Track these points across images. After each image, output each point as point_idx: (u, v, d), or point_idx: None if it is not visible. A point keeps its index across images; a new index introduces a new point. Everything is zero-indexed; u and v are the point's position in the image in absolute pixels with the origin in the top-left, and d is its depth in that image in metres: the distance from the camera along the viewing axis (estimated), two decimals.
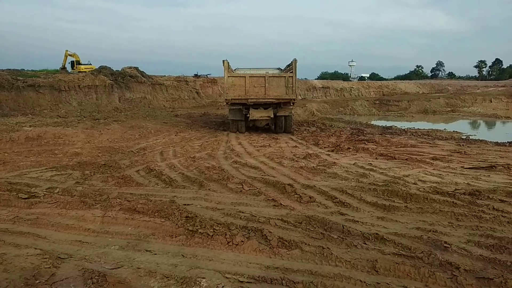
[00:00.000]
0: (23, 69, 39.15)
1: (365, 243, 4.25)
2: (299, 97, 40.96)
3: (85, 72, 31.32)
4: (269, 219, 4.95)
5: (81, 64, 35.34)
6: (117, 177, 7.35)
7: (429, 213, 5.27)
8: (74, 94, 25.68)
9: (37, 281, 3.34)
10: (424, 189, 6.34)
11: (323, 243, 4.25)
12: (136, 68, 32.66)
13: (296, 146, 11.57)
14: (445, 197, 5.84)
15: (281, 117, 14.77)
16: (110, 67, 30.91)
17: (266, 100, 14.14)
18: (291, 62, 14.42)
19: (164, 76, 37.44)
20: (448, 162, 8.73)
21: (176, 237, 4.53)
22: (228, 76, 14.16)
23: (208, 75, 42.02)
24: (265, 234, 4.41)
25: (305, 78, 58.15)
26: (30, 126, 14.27)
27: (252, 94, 14.04)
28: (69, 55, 36.04)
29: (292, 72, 14.23)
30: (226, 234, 4.43)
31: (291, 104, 14.63)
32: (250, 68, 17.04)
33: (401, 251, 4.02)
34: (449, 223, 4.90)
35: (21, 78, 24.41)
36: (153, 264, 3.85)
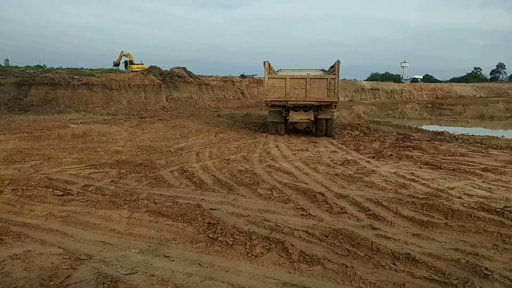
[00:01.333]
0: (82, 68, 41.62)
1: (394, 264, 3.91)
2: (346, 99, 39.96)
3: (136, 71, 32.62)
4: (294, 230, 4.72)
5: (134, 64, 36.89)
6: (151, 177, 7.45)
7: (471, 233, 4.78)
8: (124, 92, 26.78)
9: (52, 283, 3.38)
10: (469, 204, 5.79)
11: (348, 261, 3.96)
12: (184, 68, 33.48)
13: (335, 151, 11.17)
14: (492, 214, 5.28)
15: (322, 120, 14.36)
16: (159, 67, 31.94)
17: (306, 102, 13.82)
18: (334, 63, 13.97)
19: (212, 76, 38.09)
20: (500, 174, 7.97)
21: (196, 243, 4.45)
22: (269, 78, 14.00)
23: (254, 76, 42.22)
24: (286, 247, 4.20)
25: (354, 79, 56.71)
26: (81, 123, 15.04)
27: (292, 96, 13.78)
28: (124, 55, 37.81)
29: (334, 74, 13.79)
30: (246, 244, 4.27)
31: (333, 107, 14.18)
32: (293, 69, 16.77)
33: (433, 276, 3.64)
34: (493, 245, 4.41)
35: (76, 77, 25.85)
36: (168, 272, 3.78)
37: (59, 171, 7.83)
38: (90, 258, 4.03)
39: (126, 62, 38.00)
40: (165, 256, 4.16)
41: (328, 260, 3.95)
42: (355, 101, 37.65)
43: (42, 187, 6.35)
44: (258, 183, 7.02)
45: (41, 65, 53.25)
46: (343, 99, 37.16)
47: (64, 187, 6.45)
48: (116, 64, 38.35)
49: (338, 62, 13.80)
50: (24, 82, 24.38)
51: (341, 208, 5.68)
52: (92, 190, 6.43)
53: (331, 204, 5.83)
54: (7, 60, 56.45)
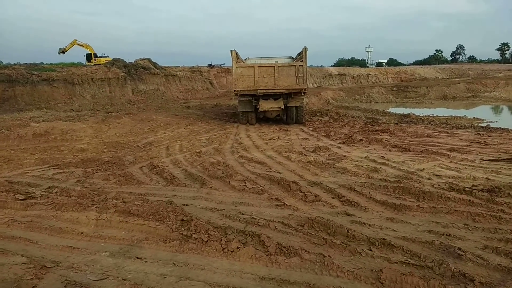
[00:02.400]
0: (42, 63, 39.58)
1: (371, 250, 3.92)
2: (314, 85, 40.28)
3: (99, 64, 31.38)
4: (269, 221, 4.66)
5: (101, 57, 35.14)
6: (119, 175, 7.18)
7: (443, 213, 4.88)
8: (87, 87, 25.80)
9: None
10: (439, 185, 5.92)
11: (324, 250, 3.94)
12: (149, 60, 32.60)
13: (306, 138, 11.20)
14: (461, 194, 5.43)
15: (292, 108, 14.36)
16: (123, 59, 30.95)
17: (276, 90, 13.75)
18: (302, 50, 13.94)
19: (179, 67, 37.34)
20: (466, 153, 8.24)
21: (169, 242, 4.29)
22: (237, 67, 13.82)
23: (222, 65, 41.77)
24: (262, 240, 4.12)
25: (321, 66, 57.24)
26: (42, 121, 14.33)
27: (261, 84, 13.67)
28: (79, 45, 35.76)
29: (302, 61, 13.76)
30: (221, 240, 4.16)
31: (302, 94, 14.19)
32: (261, 58, 16.64)
33: (409, 260, 3.67)
34: (464, 225, 4.51)
35: (35, 73, 24.63)
36: (141, 274, 3.62)
37: (21, 174, 7.40)
38: (57, 265, 3.81)
39: (89, 55, 36.15)
40: (137, 258, 3.99)
41: (305, 251, 3.90)
42: (323, 87, 38.02)
43: (2, 192, 5.97)
44: (231, 175, 6.91)
45: None
46: (312, 86, 37.43)
47: (26, 191, 6.10)
48: (63, 51, 35.73)
49: (305, 48, 13.78)
50: None
51: (315, 196, 5.67)
52: (56, 192, 6.11)
53: (305, 193, 5.81)
54: None
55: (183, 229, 4.46)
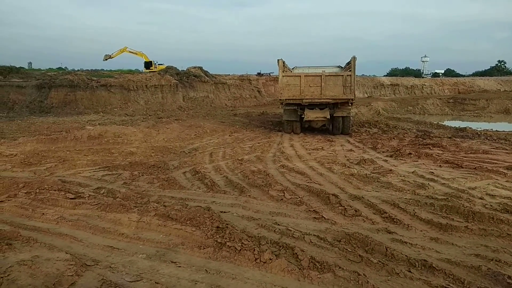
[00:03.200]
0: (102, 69, 42.26)
1: (410, 271, 3.70)
2: (365, 95, 39.33)
3: (154, 71, 32.93)
4: (305, 234, 4.57)
5: (160, 64, 37.04)
6: (163, 179, 7.41)
7: (493, 237, 4.51)
8: (141, 93, 27.08)
9: None
10: (491, 205, 5.50)
11: (360, 268, 3.78)
12: (200, 68, 33.64)
13: (351, 150, 10.91)
14: None
15: (339, 118, 14.08)
16: (176, 67, 32.22)
17: (322, 100, 13.57)
18: (350, 59, 13.67)
19: (228, 75, 38.15)
20: None
21: (204, 248, 4.34)
22: (283, 76, 13.83)
23: (270, 74, 42.13)
24: (296, 253, 4.04)
25: (373, 75, 55.83)
26: (98, 124, 15.23)
27: (307, 94, 13.56)
28: (131, 52, 37.71)
29: (351, 70, 13.49)
30: (254, 250, 4.14)
31: (349, 104, 13.89)
32: (308, 67, 16.55)
33: (451, 285, 3.42)
34: None
35: (95, 78, 26.29)
36: (173, 279, 3.68)
37: (73, 174, 7.88)
38: (97, 264, 3.98)
39: (149, 62, 38.04)
40: (172, 262, 4.07)
41: (340, 267, 3.78)
42: (374, 97, 37.01)
43: (55, 190, 6.37)
44: (270, 185, 6.88)
45: (63, 67, 54.41)
46: (362, 96, 36.58)
47: (76, 190, 6.47)
48: (109, 57, 37.66)
49: (354, 58, 13.50)
50: (45, 85, 24.96)
51: (356, 211, 5.49)
52: (103, 192, 6.42)
53: (345, 206, 5.64)
54: (30, 63, 57.92)
55: (217, 236, 4.49)
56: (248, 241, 4.31)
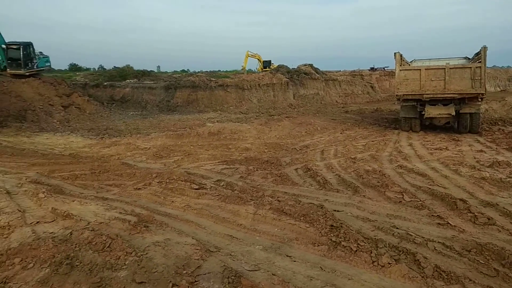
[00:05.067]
0: (219, 70, 45.43)
1: None
2: (498, 89, 34.65)
3: (265, 70, 34.15)
4: (428, 240, 4.23)
5: (273, 63, 38.58)
6: (276, 174, 7.62)
7: None
8: (255, 92, 28.21)
9: (184, 272, 3.69)
10: None
11: (495, 284, 3.36)
12: (311, 65, 33.61)
13: (482, 151, 9.70)
14: None
15: (466, 115, 12.62)
16: (286, 66, 32.77)
17: (445, 95, 12.34)
18: (480, 49, 12.14)
19: (339, 71, 37.41)
20: None
21: (318, 246, 4.34)
22: (400, 70, 12.95)
23: (385, 68, 39.99)
24: (418, 259, 3.78)
25: (508, 66, 48.87)
26: (217, 121, 16.40)
27: (428, 88, 12.47)
28: (251, 55, 39.51)
29: (480, 61, 11.97)
30: (371, 252, 3.99)
31: (479, 99, 12.35)
32: (429, 59, 15.23)
33: None
34: None
35: (213, 79, 28.30)
36: (289, 272, 3.77)
37: (196, 166, 8.62)
38: (219, 251, 4.28)
39: (268, 61, 39.73)
40: (287, 256, 4.16)
41: (470, 280, 3.41)
42: (508, 91, 32.29)
43: (182, 181, 7.06)
44: (387, 185, 6.54)
45: (186, 70, 59.90)
46: (493, 90, 32.30)
47: (200, 182, 7.06)
48: (243, 68, 39.90)
49: (484, 48, 11.95)
50: (171, 86, 27.77)
51: (488, 219, 4.88)
52: (223, 185, 6.89)
53: (476, 213, 5.06)
54: (158, 67, 64.95)
55: (332, 234, 4.45)
56: (365, 243, 4.17)
